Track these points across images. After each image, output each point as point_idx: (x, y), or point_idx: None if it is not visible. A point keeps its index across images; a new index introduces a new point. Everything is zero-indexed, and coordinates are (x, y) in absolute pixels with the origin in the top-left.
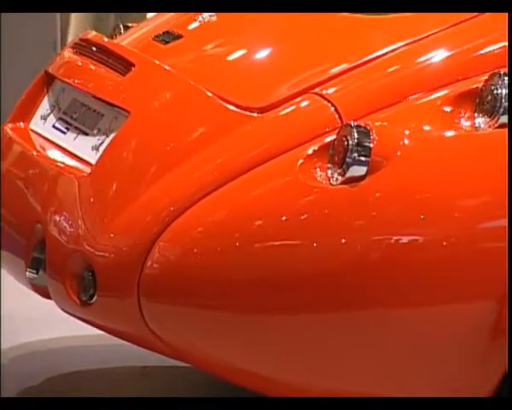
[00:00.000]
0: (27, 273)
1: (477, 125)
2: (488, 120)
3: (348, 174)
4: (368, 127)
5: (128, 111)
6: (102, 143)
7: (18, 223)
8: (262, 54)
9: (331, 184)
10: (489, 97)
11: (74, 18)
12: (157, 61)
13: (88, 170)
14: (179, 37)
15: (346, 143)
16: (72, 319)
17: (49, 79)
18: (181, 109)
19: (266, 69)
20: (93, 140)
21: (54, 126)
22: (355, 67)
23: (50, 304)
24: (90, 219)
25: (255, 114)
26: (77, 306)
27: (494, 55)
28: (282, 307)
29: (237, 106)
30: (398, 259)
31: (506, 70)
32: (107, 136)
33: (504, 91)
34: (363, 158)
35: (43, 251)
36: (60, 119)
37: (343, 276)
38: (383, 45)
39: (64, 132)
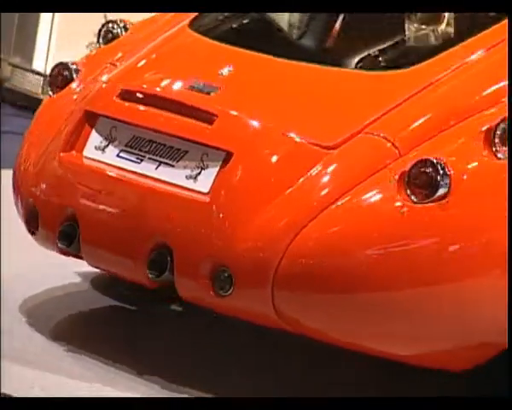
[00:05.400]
0: (149, 275)
1: None
2: None
3: (436, 195)
4: (441, 159)
5: (229, 151)
6: (199, 174)
7: (132, 234)
8: (307, 99)
9: (414, 202)
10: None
11: None
12: (235, 113)
13: (194, 195)
14: (217, 88)
15: (429, 171)
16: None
17: (90, 117)
18: (274, 150)
19: (320, 112)
20: (185, 171)
21: (119, 156)
22: (396, 106)
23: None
24: (220, 231)
25: (330, 151)
26: (210, 299)
27: None
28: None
29: (316, 145)
30: (477, 253)
31: None
32: (203, 168)
33: None
34: (447, 182)
35: (160, 256)
36: (124, 150)
37: (436, 267)
38: (410, 89)
39: (138, 162)
